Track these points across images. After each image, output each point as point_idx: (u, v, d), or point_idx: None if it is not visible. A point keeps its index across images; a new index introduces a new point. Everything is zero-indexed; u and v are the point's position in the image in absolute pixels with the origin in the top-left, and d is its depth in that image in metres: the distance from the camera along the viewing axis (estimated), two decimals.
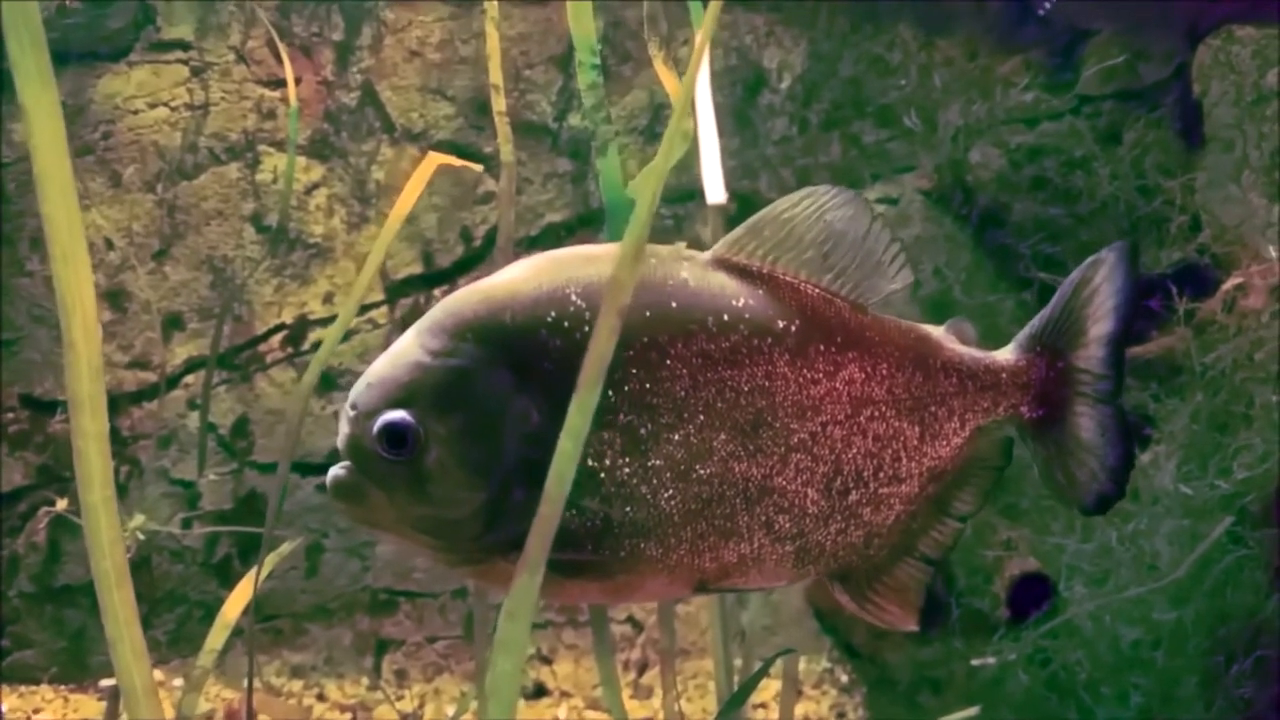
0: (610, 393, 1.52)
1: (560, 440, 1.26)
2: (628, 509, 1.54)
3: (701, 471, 1.55)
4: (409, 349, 1.56)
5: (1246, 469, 2.64)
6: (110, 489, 1.30)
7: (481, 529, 1.54)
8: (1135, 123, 3.18)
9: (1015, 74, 3.33)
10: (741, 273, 1.59)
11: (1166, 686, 2.67)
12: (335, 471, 1.56)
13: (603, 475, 1.53)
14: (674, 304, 1.55)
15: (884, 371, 1.60)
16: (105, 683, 3.48)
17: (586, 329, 1.50)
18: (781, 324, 1.57)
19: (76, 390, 1.25)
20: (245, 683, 2.34)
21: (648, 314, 1.54)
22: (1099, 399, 1.62)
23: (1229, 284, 2.81)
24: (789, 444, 1.57)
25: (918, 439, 1.61)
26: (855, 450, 1.60)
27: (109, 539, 1.29)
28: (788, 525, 1.59)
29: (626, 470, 1.53)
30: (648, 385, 1.53)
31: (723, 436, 1.55)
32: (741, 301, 1.57)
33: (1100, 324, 1.63)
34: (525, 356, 1.53)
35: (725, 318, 1.56)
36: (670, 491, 1.54)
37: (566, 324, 1.53)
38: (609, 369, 1.41)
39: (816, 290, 1.60)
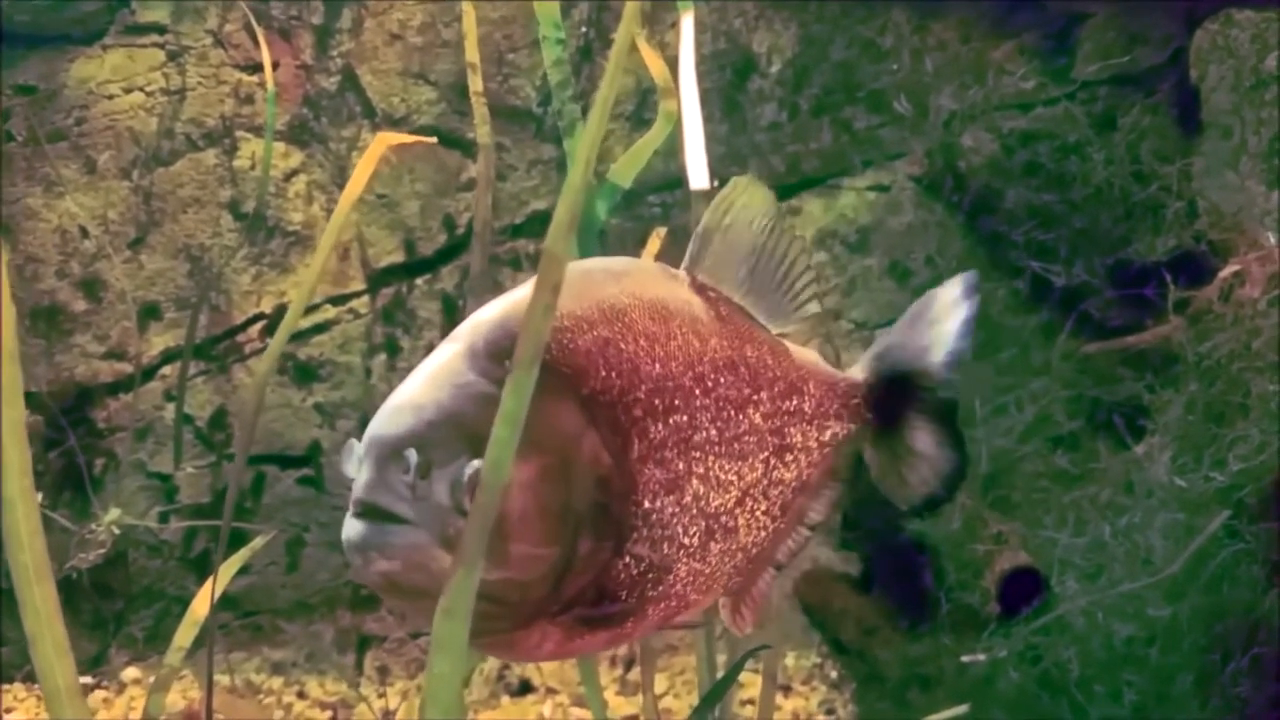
0: (660, 426, 1.43)
1: (495, 427, 1.19)
2: (666, 551, 1.45)
3: (711, 505, 1.50)
4: (462, 377, 1.34)
5: (1243, 461, 2.62)
6: (28, 479, 1.24)
7: (547, 590, 1.35)
8: (1131, 108, 3.14)
9: (1009, 58, 3.29)
10: (708, 293, 1.57)
11: (1161, 684, 2.65)
12: (372, 531, 1.28)
13: (653, 517, 1.42)
14: (690, 332, 1.49)
15: (800, 392, 1.61)
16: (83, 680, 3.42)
17: (653, 352, 1.43)
18: (747, 348, 1.55)
19: None
20: (209, 683, 2.28)
21: (674, 342, 1.47)
22: (937, 415, 1.68)
23: (1226, 272, 2.80)
24: (755, 469, 1.55)
25: (805, 454, 1.63)
26: (777, 471, 1.59)
27: (28, 530, 1.23)
28: (735, 550, 1.55)
29: (668, 510, 1.44)
30: (687, 418, 1.46)
31: (729, 465, 1.52)
32: (721, 326, 1.54)
33: (941, 347, 1.67)
34: (590, 386, 1.38)
35: (722, 342, 1.52)
36: (695, 528, 1.48)
37: (631, 348, 1.42)
38: (658, 396, 1.37)
39: (747, 311, 1.60)
